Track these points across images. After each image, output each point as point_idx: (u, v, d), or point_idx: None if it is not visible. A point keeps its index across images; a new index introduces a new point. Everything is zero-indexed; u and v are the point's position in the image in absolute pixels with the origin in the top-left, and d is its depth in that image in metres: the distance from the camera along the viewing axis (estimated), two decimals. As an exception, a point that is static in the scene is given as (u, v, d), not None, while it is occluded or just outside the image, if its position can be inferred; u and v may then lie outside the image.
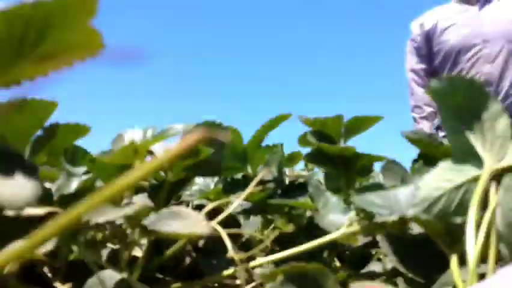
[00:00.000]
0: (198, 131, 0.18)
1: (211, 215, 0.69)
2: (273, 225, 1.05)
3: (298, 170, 1.84)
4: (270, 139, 0.93)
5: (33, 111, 0.71)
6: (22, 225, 0.67)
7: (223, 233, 0.59)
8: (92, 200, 0.18)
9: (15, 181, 0.38)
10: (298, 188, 0.80)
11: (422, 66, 2.52)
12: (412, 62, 2.55)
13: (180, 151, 0.18)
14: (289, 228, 0.77)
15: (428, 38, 2.44)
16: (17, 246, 0.18)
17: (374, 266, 0.78)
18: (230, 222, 0.75)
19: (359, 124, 0.91)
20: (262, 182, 0.80)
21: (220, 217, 0.67)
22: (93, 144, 0.82)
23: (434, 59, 2.47)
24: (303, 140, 0.98)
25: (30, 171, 0.40)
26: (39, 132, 0.77)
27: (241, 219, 0.98)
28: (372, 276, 0.77)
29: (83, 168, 1.21)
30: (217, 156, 0.85)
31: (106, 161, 0.70)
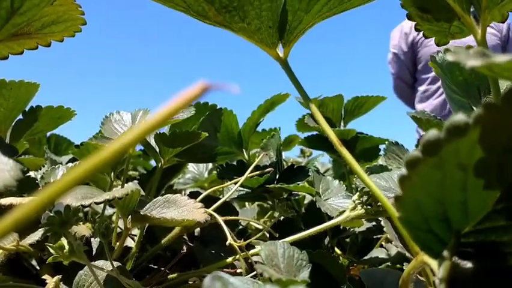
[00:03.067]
0: (200, 83, 0.15)
1: (207, 202, 0.66)
2: (270, 212, 1.03)
3: (294, 156, 1.83)
4: (266, 123, 0.90)
5: (13, 93, 0.68)
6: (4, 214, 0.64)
7: (221, 221, 0.56)
8: (63, 180, 0.15)
9: None
10: (297, 172, 0.78)
11: (408, 72, 2.58)
12: (397, 69, 2.60)
13: (180, 107, 0.15)
14: (289, 214, 0.75)
15: (412, 44, 2.47)
16: None
17: (378, 253, 0.76)
18: (226, 209, 0.72)
19: (361, 105, 0.89)
20: (259, 167, 0.77)
21: (217, 204, 0.65)
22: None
23: (418, 64, 2.52)
24: (301, 124, 0.96)
25: (10, 153, 0.37)
26: (20, 117, 0.73)
27: (237, 206, 0.96)
28: (375, 263, 0.75)
29: (67, 157, 1.18)
30: (211, 141, 0.83)
31: (99, 146, 0.67)
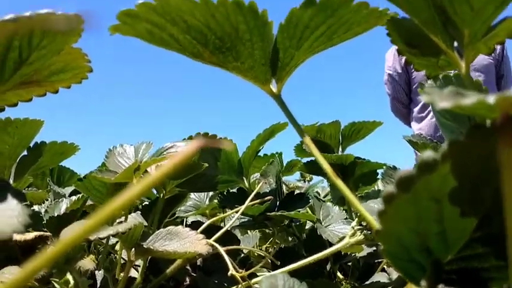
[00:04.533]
0: (197, 140, 0.17)
1: (208, 231, 0.68)
2: (271, 239, 1.05)
3: (294, 180, 1.85)
4: (268, 147, 0.93)
5: (18, 130, 0.70)
6: (11, 250, 0.66)
7: (223, 251, 0.59)
8: (92, 221, 0.17)
9: (2, 209, 0.37)
10: (298, 199, 0.80)
11: (403, 93, 2.63)
12: (392, 90, 2.66)
13: (179, 163, 0.17)
14: (289, 243, 0.77)
15: (406, 65, 2.53)
16: (16, 275, 0.17)
17: (379, 277, 0.78)
18: (228, 238, 0.75)
19: (358, 130, 0.92)
20: (259, 195, 0.79)
21: (218, 234, 0.67)
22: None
23: (412, 85, 2.59)
24: (299, 150, 0.98)
25: (17, 197, 0.40)
26: (24, 153, 0.76)
27: (238, 233, 0.97)
28: (377, 287, 0.77)
29: (70, 189, 1.20)
30: (212, 170, 0.85)
31: (107, 180, 0.70)
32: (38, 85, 0.47)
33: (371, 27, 0.49)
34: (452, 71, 0.58)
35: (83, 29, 0.42)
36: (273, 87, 0.52)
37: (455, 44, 0.46)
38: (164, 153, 0.71)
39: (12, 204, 0.35)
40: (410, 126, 2.65)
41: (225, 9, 0.45)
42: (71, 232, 0.52)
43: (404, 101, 2.64)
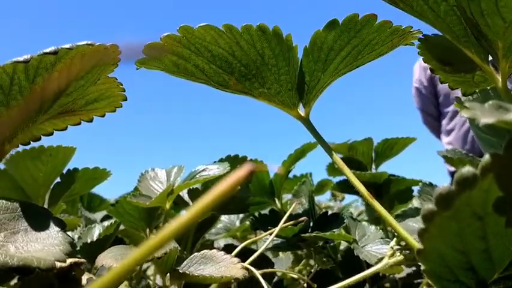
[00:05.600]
0: (246, 165, 0.17)
1: (241, 254, 0.69)
2: (304, 260, 1.04)
3: (325, 200, 1.84)
4: (297, 167, 0.93)
5: (52, 158, 0.73)
6: (47, 277, 0.68)
7: (259, 275, 0.59)
8: (141, 250, 0.18)
9: (44, 238, 0.38)
10: (332, 219, 0.80)
11: (431, 105, 2.63)
12: (421, 103, 2.65)
13: (231, 188, 0.17)
14: (327, 266, 0.77)
15: (431, 78, 2.54)
16: None
17: (420, 299, 0.76)
18: (262, 261, 0.75)
19: (391, 147, 0.91)
20: (292, 216, 0.79)
21: (253, 257, 0.67)
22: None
23: (438, 97, 2.58)
24: (331, 169, 0.98)
25: (58, 225, 0.41)
26: (58, 180, 0.78)
27: (270, 254, 0.97)
28: (418, 309, 0.75)
29: (101, 214, 1.23)
30: (244, 192, 0.86)
31: (142, 205, 0.71)
32: (73, 114, 0.48)
33: (396, 46, 0.50)
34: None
35: (119, 59, 0.44)
36: (301, 111, 0.52)
37: (490, 58, 0.46)
38: (197, 176, 0.72)
39: (53, 232, 0.36)
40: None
41: (250, 36, 0.46)
42: (112, 259, 0.53)
43: (433, 113, 2.63)
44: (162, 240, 0.18)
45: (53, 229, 0.37)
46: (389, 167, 0.94)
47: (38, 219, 0.40)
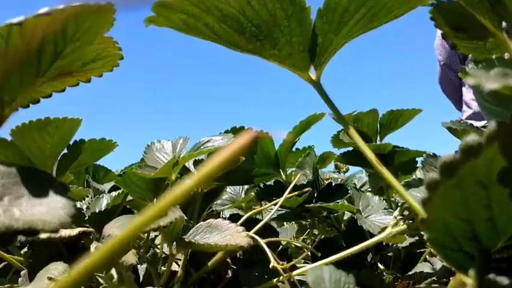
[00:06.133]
0: (249, 133, 0.17)
1: (247, 224, 0.69)
2: (309, 229, 1.05)
3: (328, 172, 1.85)
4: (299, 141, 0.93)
5: (58, 130, 0.73)
6: (56, 246, 0.69)
7: (263, 244, 0.59)
8: (142, 219, 0.18)
9: (48, 202, 0.38)
10: (336, 190, 0.81)
11: (457, 59, 2.28)
12: (445, 55, 2.32)
13: (232, 156, 0.17)
14: (330, 234, 0.78)
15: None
16: (68, 276, 0.18)
17: (422, 267, 0.77)
18: (267, 230, 0.75)
19: (396, 118, 0.91)
20: (296, 187, 0.80)
21: (258, 226, 0.68)
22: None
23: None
24: (336, 140, 0.98)
25: (62, 191, 0.41)
26: (65, 151, 0.79)
27: (275, 224, 0.98)
28: (420, 278, 0.76)
29: (108, 185, 1.24)
30: (249, 163, 0.86)
31: (147, 176, 0.72)
32: (70, 76, 0.48)
33: (412, 8, 0.48)
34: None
35: (115, 18, 0.44)
36: (312, 74, 0.52)
37: (504, 24, 0.45)
38: (202, 147, 0.72)
39: (57, 196, 0.37)
40: (459, 105, 2.35)
41: (261, -4, 0.45)
42: (119, 228, 0.54)
43: (457, 70, 2.25)
44: (164, 206, 0.18)
45: (57, 193, 0.37)
46: (394, 139, 0.94)
47: (42, 184, 0.40)
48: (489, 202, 0.26)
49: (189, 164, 0.80)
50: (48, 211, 0.37)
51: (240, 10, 0.46)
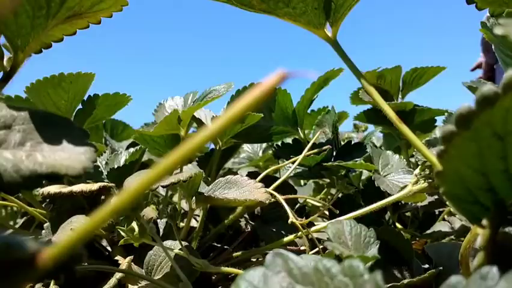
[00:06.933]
0: (278, 72, 0.16)
1: (265, 181, 0.71)
2: (326, 189, 1.07)
3: (347, 131, 1.85)
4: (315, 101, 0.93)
5: (73, 85, 0.74)
6: (77, 200, 0.72)
7: (282, 200, 0.61)
8: (157, 169, 0.18)
9: (69, 147, 0.39)
10: (355, 149, 0.81)
11: None
12: None
13: (260, 97, 0.16)
14: (349, 191, 0.79)
15: None
16: (87, 223, 0.19)
17: (441, 226, 0.79)
18: (285, 188, 0.77)
19: (420, 76, 0.90)
20: (315, 145, 0.81)
21: (276, 183, 0.70)
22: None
23: None
24: (355, 97, 0.98)
25: (82, 136, 0.42)
26: (79, 106, 0.80)
27: (292, 183, 1.00)
28: (438, 236, 0.78)
29: (126, 142, 1.27)
30: (266, 121, 0.87)
31: (150, 133, 0.73)
32: (80, 17, 0.49)
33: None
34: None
35: None
36: (328, 31, 0.52)
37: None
38: (205, 99, 0.73)
39: (78, 141, 0.38)
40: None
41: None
42: (136, 181, 0.56)
43: None
44: (178, 158, 0.18)
45: (78, 138, 0.38)
46: (415, 97, 0.93)
47: (63, 129, 0.41)
48: (505, 154, 0.27)
49: (207, 120, 0.81)
50: (70, 156, 0.38)
51: (254, -34, 0.46)
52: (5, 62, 0.46)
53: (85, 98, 0.80)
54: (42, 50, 0.51)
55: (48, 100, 0.75)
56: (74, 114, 0.81)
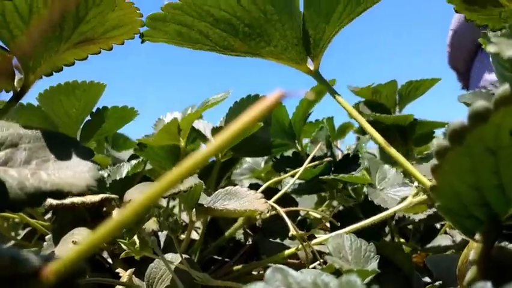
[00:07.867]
0: (276, 92, 0.17)
1: (266, 193, 0.71)
2: (328, 201, 1.07)
3: (350, 144, 1.85)
4: (320, 111, 0.94)
5: (85, 94, 0.74)
6: (79, 211, 0.72)
7: (282, 212, 0.61)
8: (160, 185, 0.18)
9: (74, 165, 0.40)
10: (352, 161, 0.82)
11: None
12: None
13: (261, 114, 0.17)
14: (349, 203, 0.79)
15: None
16: (91, 237, 0.19)
17: (442, 240, 0.78)
18: (286, 200, 0.77)
19: (415, 88, 0.91)
20: (315, 158, 0.81)
21: (277, 196, 0.70)
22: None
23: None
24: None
25: (86, 155, 0.43)
26: (88, 117, 0.81)
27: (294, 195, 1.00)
28: (439, 250, 0.77)
29: (127, 153, 1.27)
30: (264, 134, 0.88)
31: (150, 142, 0.74)
32: (92, 43, 0.50)
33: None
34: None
35: None
36: (310, 65, 0.52)
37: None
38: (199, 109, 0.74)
39: (82, 159, 0.39)
40: (466, 77, 2.23)
41: (250, -7, 0.46)
42: (137, 194, 0.57)
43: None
44: (182, 173, 0.18)
45: (82, 157, 0.39)
46: (415, 108, 0.94)
47: (67, 148, 0.42)
48: (497, 169, 0.27)
49: (207, 132, 0.82)
50: (74, 174, 0.39)
51: (231, 11, 0.47)
52: (15, 83, 0.46)
53: (94, 109, 0.80)
54: (53, 72, 0.51)
55: (60, 108, 0.75)
56: (82, 125, 0.81)
